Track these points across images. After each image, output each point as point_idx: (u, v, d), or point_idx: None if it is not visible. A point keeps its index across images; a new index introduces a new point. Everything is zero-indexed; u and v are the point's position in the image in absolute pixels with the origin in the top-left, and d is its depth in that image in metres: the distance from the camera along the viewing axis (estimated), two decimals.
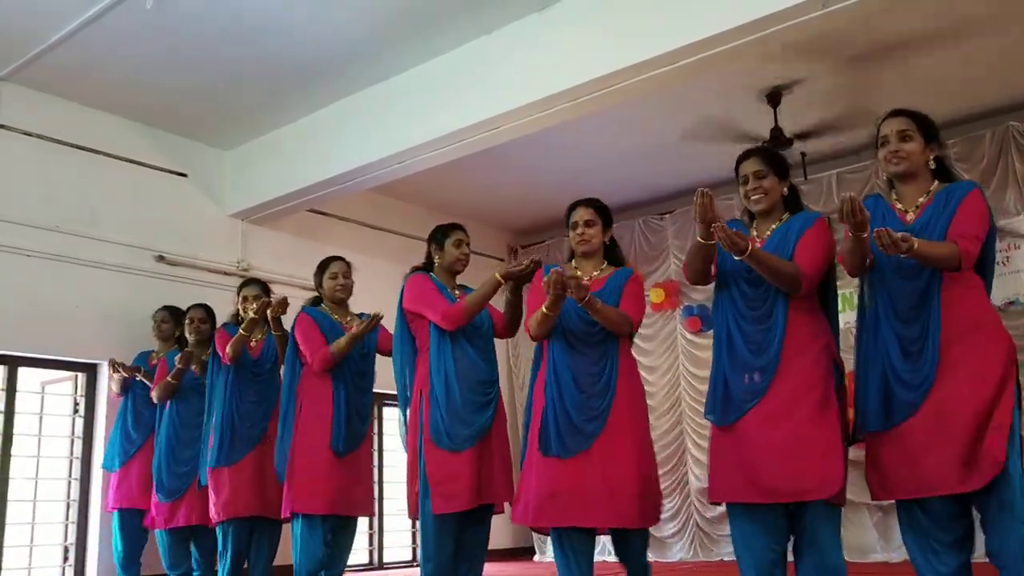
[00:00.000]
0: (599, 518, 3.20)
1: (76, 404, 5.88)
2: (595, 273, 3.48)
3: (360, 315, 4.46)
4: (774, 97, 6.07)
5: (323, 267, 4.50)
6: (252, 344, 4.85)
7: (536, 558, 7.94)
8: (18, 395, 5.57)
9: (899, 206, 2.94)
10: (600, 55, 4.79)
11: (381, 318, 4.29)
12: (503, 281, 3.64)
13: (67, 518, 5.69)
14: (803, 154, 6.89)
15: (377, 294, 7.47)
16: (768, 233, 3.08)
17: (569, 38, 4.94)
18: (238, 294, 5.05)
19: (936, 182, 2.92)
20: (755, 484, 2.86)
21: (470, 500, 3.55)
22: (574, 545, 3.27)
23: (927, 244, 2.72)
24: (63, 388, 5.97)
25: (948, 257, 2.72)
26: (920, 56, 5.59)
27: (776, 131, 6.23)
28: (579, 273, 3.44)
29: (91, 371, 5.90)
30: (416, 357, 3.81)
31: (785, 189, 3.13)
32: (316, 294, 4.53)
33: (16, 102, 5.69)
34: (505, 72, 5.20)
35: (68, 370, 5.89)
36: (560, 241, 8.52)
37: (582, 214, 3.48)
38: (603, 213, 3.52)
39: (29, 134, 5.75)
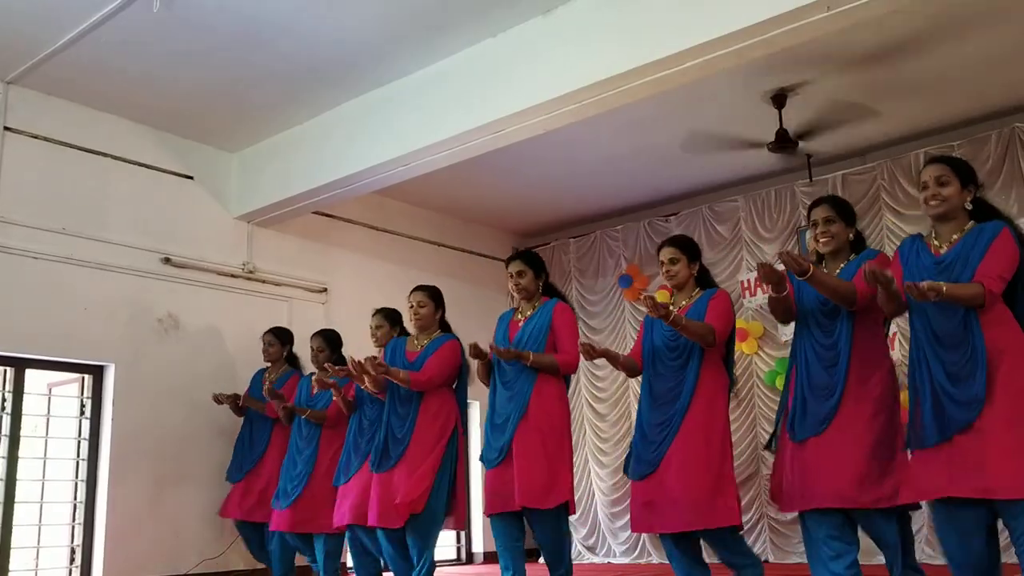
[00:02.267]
0: (668, 524, 3.69)
1: (83, 406, 5.90)
2: (684, 302, 3.90)
3: (439, 338, 4.62)
4: (779, 99, 6.07)
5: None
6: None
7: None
8: (25, 397, 5.59)
9: (935, 242, 3.19)
10: (605, 58, 4.80)
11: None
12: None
13: (73, 520, 5.70)
14: (808, 156, 6.89)
15: (384, 295, 7.54)
16: (836, 272, 3.47)
17: (574, 41, 4.94)
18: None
19: (972, 221, 3.14)
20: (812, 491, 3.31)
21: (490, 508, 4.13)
22: (666, 549, 3.87)
23: (954, 287, 2.95)
24: (70, 390, 5.98)
25: (974, 297, 2.96)
26: (925, 58, 5.59)
27: (781, 133, 6.24)
28: (671, 304, 3.87)
29: (98, 373, 5.92)
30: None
31: (851, 234, 3.55)
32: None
33: (24, 105, 5.71)
34: (510, 75, 5.21)
35: (75, 372, 5.90)
36: (564, 243, 8.53)
37: (665, 253, 3.94)
38: (687, 249, 3.94)
39: (36, 137, 5.77)
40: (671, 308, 3.67)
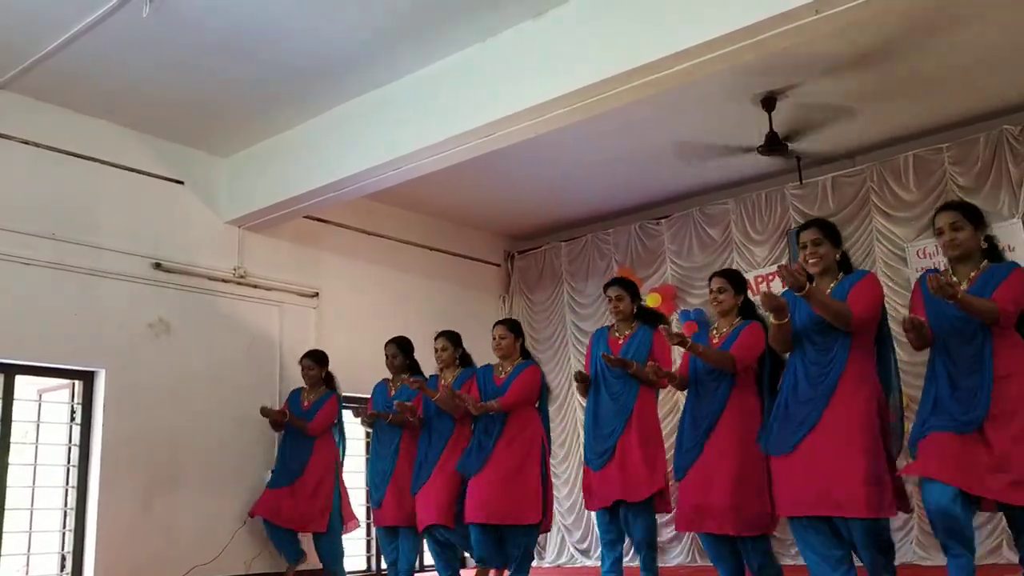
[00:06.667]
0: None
1: (73, 412, 5.87)
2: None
3: (520, 364, 5.15)
4: (768, 102, 6.09)
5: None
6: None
7: (534, 563, 7.93)
8: (15, 403, 5.56)
9: (954, 279, 3.45)
10: (595, 61, 4.81)
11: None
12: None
13: (64, 526, 5.67)
14: (798, 158, 6.92)
15: (375, 299, 7.55)
16: (828, 292, 3.61)
17: (564, 44, 4.95)
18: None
19: (986, 260, 3.44)
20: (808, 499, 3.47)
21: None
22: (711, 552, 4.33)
23: (971, 296, 3.24)
24: (60, 396, 5.96)
25: (989, 311, 3.23)
26: (914, 60, 5.62)
27: (771, 136, 6.26)
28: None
29: (88, 379, 5.89)
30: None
31: (838, 255, 3.70)
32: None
33: (13, 110, 5.69)
34: (501, 78, 5.21)
35: (65, 378, 5.87)
36: (556, 246, 8.53)
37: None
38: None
39: (26, 142, 5.75)
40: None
